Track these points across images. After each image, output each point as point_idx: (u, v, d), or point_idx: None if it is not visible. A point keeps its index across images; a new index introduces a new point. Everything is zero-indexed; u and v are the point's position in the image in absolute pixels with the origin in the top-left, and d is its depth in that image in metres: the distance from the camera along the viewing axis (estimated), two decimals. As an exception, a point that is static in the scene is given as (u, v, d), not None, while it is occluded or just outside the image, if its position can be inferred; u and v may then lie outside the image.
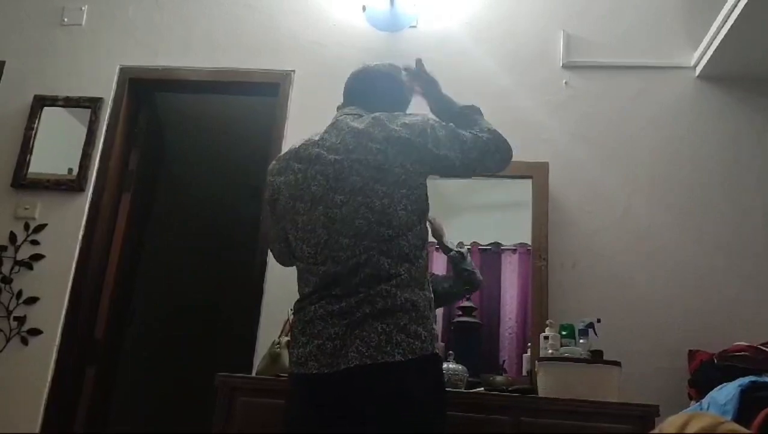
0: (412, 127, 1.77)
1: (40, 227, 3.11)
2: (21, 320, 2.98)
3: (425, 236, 1.78)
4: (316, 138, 1.84)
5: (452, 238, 2.76)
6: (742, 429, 1.07)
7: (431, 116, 1.89)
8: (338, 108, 1.96)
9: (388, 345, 1.59)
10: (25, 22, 3.47)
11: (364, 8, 3.18)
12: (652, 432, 1.16)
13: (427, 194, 1.81)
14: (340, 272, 1.67)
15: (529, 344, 2.68)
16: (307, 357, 1.65)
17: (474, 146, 1.83)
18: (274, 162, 1.92)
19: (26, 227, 3.11)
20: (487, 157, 1.86)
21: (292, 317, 1.87)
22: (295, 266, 1.86)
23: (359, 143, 1.75)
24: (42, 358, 2.94)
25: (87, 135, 3.21)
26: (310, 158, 1.80)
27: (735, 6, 2.62)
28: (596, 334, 2.47)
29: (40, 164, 3.21)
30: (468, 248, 2.78)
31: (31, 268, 3.06)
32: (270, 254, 2.27)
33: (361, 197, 1.70)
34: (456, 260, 2.70)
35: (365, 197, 1.70)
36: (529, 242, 2.82)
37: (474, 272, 2.71)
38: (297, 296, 1.82)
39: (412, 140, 1.75)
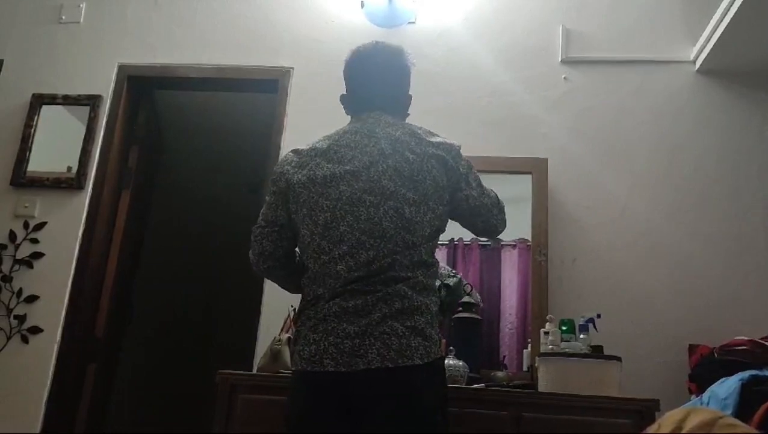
0: (447, 147, 1.82)
1: (39, 226, 3.11)
2: (21, 318, 2.98)
3: (435, 250, 1.83)
4: (347, 138, 1.82)
5: (452, 234, 2.76)
6: (741, 424, 1.07)
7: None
8: (351, 114, 1.93)
9: (408, 349, 1.61)
10: (22, 19, 3.46)
11: (362, 4, 3.17)
12: (650, 427, 1.16)
13: (447, 216, 1.83)
14: (360, 276, 1.66)
15: (530, 339, 2.68)
16: (323, 355, 1.63)
17: (491, 193, 1.95)
18: (291, 154, 1.87)
19: (26, 225, 3.11)
20: (498, 211, 1.96)
21: (293, 314, 1.86)
22: (268, 269, 1.89)
23: (396, 150, 1.76)
24: (42, 356, 2.94)
25: (86, 133, 3.21)
26: (342, 159, 1.78)
27: (734, 0, 2.61)
28: (596, 329, 2.47)
29: (39, 162, 3.21)
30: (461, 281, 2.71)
31: (31, 266, 3.06)
32: None
33: (393, 202, 1.71)
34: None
35: (396, 202, 1.71)
36: (529, 238, 2.82)
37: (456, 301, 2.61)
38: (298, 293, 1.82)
39: (446, 159, 1.80)
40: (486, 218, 1.92)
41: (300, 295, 1.83)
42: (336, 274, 1.69)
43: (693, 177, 2.90)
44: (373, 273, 1.66)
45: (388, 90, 1.92)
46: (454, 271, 2.63)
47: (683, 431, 1.04)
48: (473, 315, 2.69)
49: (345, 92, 1.95)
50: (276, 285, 2.04)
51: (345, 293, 1.66)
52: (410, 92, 1.98)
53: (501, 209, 1.97)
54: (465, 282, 2.70)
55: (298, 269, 1.87)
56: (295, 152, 1.87)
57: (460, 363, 2.39)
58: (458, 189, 1.84)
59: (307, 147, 1.86)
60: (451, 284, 2.52)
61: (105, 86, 3.30)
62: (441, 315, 2.49)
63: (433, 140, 1.82)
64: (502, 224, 1.99)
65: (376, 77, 1.92)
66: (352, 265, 1.68)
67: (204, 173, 4.66)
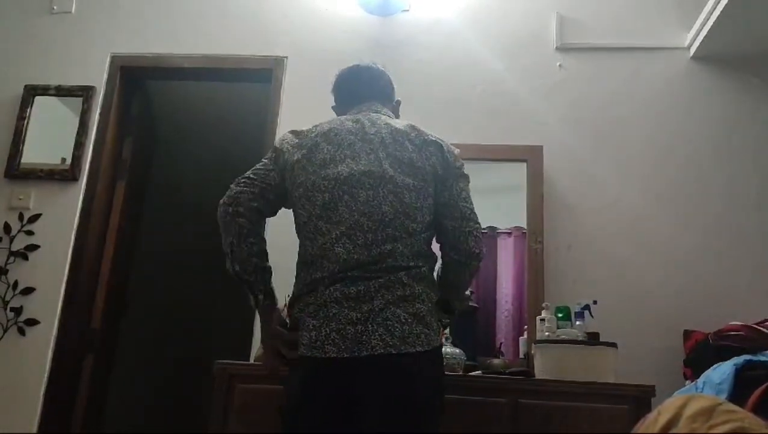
0: (445, 143, 1.88)
1: (34, 217, 3.10)
2: (17, 310, 2.97)
3: (432, 242, 1.84)
4: (348, 125, 1.85)
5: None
6: (740, 410, 1.08)
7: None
8: (349, 108, 1.96)
9: (410, 336, 1.62)
10: (13, 10, 3.43)
11: (356, -8, 3.16)
12: (650, 414, 1.16)
13: None
14: (360, 260, 1.67)
15: (526, 327, 2.69)
16: (324, 341, 1.63)
17: (474, 209, 1.86)
18: (290, 134, 1.88)
19: (21, 217, 3.10)
20: (475, 226, 1.84)
21: (289, 299, 1.85)
22: (234, 213, 1.78)
23: (396, 140, 1.81)
24: (39, 348, 2.94)
25: (79, 124, 3.19)
26: (342, 143, 1.81)
27: (728, -14, 2.61)
28: (592, 316, 2.48)
29: (33, 154, 3.19)
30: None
31: (26, 258, 3.05)
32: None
33: (392, 186, 1.73)
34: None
35: (395, 186, 1.74)
36: (524, 226, 2.83)
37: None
38: (293, 281, 1.81)
39: (443, 148, 1.85)
40: (458, 223, 1.80)
41: (293, 282, 1.82)
42: (335, 257, 1.69)
43: (687, 163, 2.91)
44: (373, 260, 1.67)
45: (381, 86, 2.01)
46: None
47: (683, 418, 1.05)
48: (470, 303, 2.69)
49: (336, 103, 2.03)
50: (273, 276, 2.00)
51: (346, 279, 1.67)
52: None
53: (478, 228, 1.83)
54: None
55: (261, 243, 1.80)
56: (294, 132, 1.89)
57: (457, 351, 2.40)
58: (448, 176, 1.84)
59: (307, 129, 1.89)
60: None
61: (98, 77, 3.28)
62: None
63: (431, 132, 1.88)
64: (472, 240, 1.81)
65: (367, 76, 2.01)
66: (351, 248, 1.68)
67: (199, 162, 4.64)
